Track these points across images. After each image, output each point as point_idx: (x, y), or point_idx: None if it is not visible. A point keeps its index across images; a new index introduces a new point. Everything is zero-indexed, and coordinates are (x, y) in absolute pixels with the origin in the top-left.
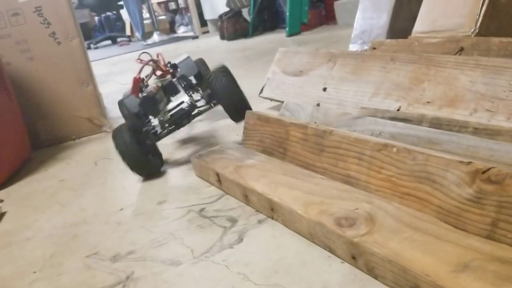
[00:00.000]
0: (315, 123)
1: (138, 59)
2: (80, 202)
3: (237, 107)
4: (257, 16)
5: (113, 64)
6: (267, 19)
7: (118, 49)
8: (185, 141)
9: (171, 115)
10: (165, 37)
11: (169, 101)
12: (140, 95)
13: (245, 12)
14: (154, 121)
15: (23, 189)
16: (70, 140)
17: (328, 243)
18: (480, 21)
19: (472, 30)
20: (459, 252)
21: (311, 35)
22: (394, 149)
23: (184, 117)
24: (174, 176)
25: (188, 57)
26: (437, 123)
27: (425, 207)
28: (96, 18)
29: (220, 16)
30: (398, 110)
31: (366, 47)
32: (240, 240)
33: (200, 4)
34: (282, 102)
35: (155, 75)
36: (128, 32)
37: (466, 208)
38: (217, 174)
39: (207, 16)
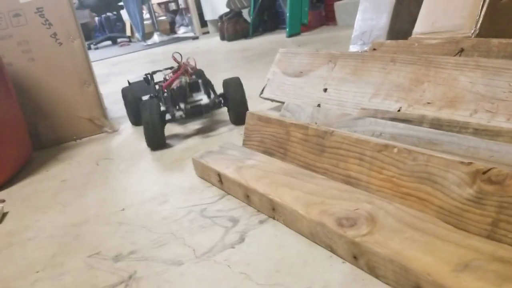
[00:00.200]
0: (316, 123)
1: (173, 57)
2: (81, 203)
3: (241, 113)
4: (257, 17)
5: (113, 64)
6: (267, 19)
7: (118, 49)
8: (186, 141)
9: (191, 106)
10: (165, 37)
11: (191, 96)
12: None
13: (245, 13)
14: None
15: (24, 190)
16: (71, 140)
17: (329, 243)
18: (480, 22)
19: (472, 31)
20: (459, 252)
21: (311, 36)
22: (395, 150)
23: (199, 111)
24: (175, 177)
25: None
26: (437, 124)
27: (426, 208)
28: (97, 18)
29: (220, 17)
30: (398, 111)
31: (366, 48)
32: (242, 240)
33: (200, 4)
34: (283, 103)
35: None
36: (128, 33)
37: (467, 208)
38: (218, 175)
39: (207, 16)
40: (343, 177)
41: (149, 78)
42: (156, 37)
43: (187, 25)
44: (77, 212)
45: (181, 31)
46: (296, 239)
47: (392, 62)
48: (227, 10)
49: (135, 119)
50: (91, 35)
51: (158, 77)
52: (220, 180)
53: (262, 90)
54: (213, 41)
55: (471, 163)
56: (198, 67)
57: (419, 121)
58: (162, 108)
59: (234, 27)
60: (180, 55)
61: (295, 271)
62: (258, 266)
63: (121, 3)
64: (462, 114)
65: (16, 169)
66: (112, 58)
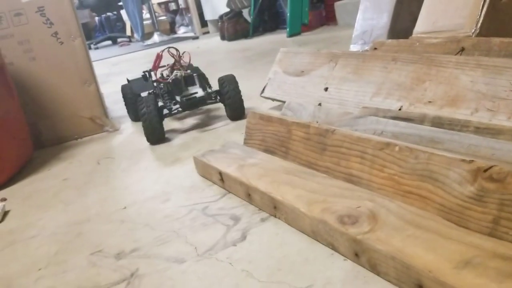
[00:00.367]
0: (317, 122)
1: (169, 51)
2: (83, 201)
3: (237, 109)
4: (257, 17)
5: (113, 64)
6: (267, 19)
7: (118, 49)
8: (187, 141)
9: (187, 99)
10: (165, 37)
11: (186, 89)
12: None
13: (245, 13)
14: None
15: (26, 188)
16: (72, 139)
17: (331, 240)
18: (480, 21)
19: (473, 30)
20: (461, 249)
21: (312, 35)
22: (396, 148)
23: (194, 103)
24: (177, 175)
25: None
26: (438, 123)
27: (427, 205)
28: (97, 18)
29: (221, 17)
30: (399, 109)
31: (367, 48)
32: (243, 238)
33: (200, 4)
34: (284, 102)
35: (172, 68)
36: (128, 33)
37: (468, 206)
38: (220, 173)
39: (208, 16)
40: (345, 175)
41: (147, 75)
42: (156, 37)
43: (187, 25)
44: (79, 211)
45: (181, 31)
46: (297, 237)
47: (393, 61)
48: (227, 10)
49: (135, 116)
50: (91, 35)
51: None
52: (222, 179)
53: (263, 89)
54: (213, 41)
55: (472, 161)
56: (198, 67)
57: (421, 119)
58: (160, 104)
59: (234, 27)
60: (176, 49)
61: (296, 269)
62: (259, 264)
63: (121, 3)
64: (463, 113)
65: (17, 168)
66: (112, 58)
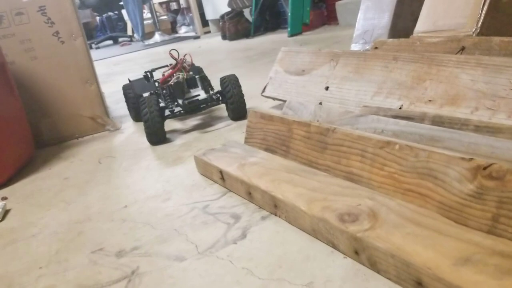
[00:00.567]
0: (318, 121)
1: (170, 53)
2: (84, 200)
3: (239, 109)
4: (258, 17)
5: (114, 64)
6: (268, 19)
7: (119, 49)
8: (188, 140)
9: (189, 102)
10: (166, 37)
11: (188, 91)
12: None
13: (246, 12)
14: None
15: (27, 187)
16: (73, 138)
17: (331, 238)
18: (481, 21)
19: (474, 29)
20: (460, 247)
21: (313, 35)
22: (397, 146)
23: (196, 107)
24: (178, 174)
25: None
26: (439, 121)
27: (427, 203)
28: (98, 18)
29: (222, 16)
30: (400, 108)
31: (368, 47)
32: (244, 236)
33: (201, 4)
34: (285, 101)
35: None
36: (129, 32)
37: (468, 203)
38: (221, 172)
39: (209, 16)
40: (345, 173)
41: (149, 75)
42: (157, 37)
43: (188, 25)
44: (80, 210)
45: (183, 31)
46: (298, 235)
47: (394, 61)
48: (229, 9)
49: (136, 116)
50: (93, 34)
51: (157, 75)
52: (222, 178)
53: (264, 89)
54: (215, 40)
55: (472, 159)
56: (199, 66)
57: (421, 118)
58: (162, 104)
59: (235, 27)
60: (177, 51)
61: (297, 267)
62: (260, 261)
63: (122, 3)
64: (463, 112)
65: (18, 167)
66: (113, 58)
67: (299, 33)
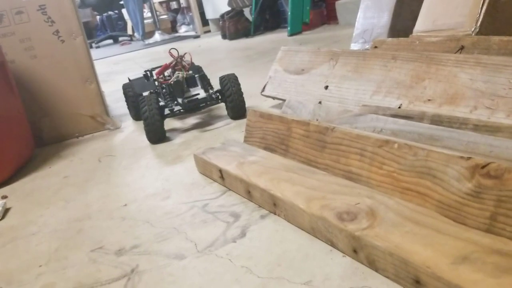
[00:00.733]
0: (317, 120)
1: (169, 52)
2: (84, 198)
3: (239, 108)
4: (258, 16)
5: (114, 63)
6: (268, 18)
7: (119, 48)
8: (188, 139)
9: (188, 101)
10: (166, 36)
11: (188, 90)
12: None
13: (246, 12)
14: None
15: (27, 186)
16: (73, 137)
17: (330, 237)
18: (480, 20)
19: (473, 29)
20: (458, 245)
21: (313, 34)
22: (395, 145)
23: (196, 105)
24: (177, 173)
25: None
26: (438, 120)
27: (426, 202)
28: (98, 17)
29: (222, 16)
30: (399, 107)
31: (367, 46)
32: (243, 234)
33: (201, 3)
34: (284, 100)
35: (174, 68)
36: (130, 32)
37: (466, 202)
38: (220, 171)
39: (209, 15)
40: (344, 172)
41: (149, 74)
42: (157, 36)
43: (188, 24)
44: (80, 208)
45: (183, 30)
46: (297, 233)
47: (393, 60)
48: (229, 9)
49: (136, 114)
50: (93, 34)
51: None
52: (222, 176)
53: (264, 88)
54: (215, 40)
55: (470, 157)
56: (199, 65)
57: (420, 117)
58: (161, 103)
59: (235, 26)
60: (177, 50)
61: (296, 265)
62: (259, 260)
63: (122, 2)
64: (462, 111)
65: (19, 165)
66: (114, 57)
67: (299, 32)
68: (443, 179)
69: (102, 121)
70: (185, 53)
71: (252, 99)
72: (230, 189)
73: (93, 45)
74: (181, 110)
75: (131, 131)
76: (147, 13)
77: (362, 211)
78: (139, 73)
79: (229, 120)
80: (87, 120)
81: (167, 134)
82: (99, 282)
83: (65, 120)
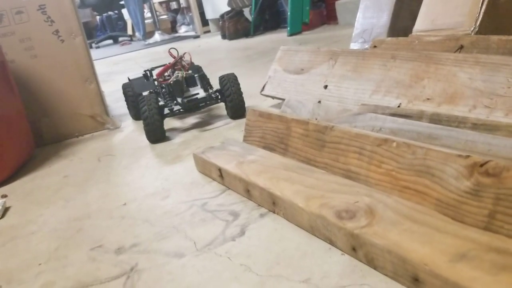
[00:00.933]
0: (316, 119)
1: (169, 52)
2: (84, 198)
3: (238, 108)
4: (258, 16)
5: (114, 63)
6: (268, 18)
7: (119, 48)
8: (187, 139)
9: (188, 101)
10: (166, 36)
11: (187, 90)
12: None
13: (246, 12)
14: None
15: (27, 185)
16: (73, 137)
17: (328, 235)
18: (479, 19)
19: (472, 28)
20: (457, 243)
21: (312, 34)
22: (394, 144)
23: (195, 105)
24: (177, 172)
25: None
26: (436, 119)
27: (424, 200)
28: (98, 17)
29: (222, 16)
30: (398, 107)
31: (367, 46)
32: (242, 233)
33: (201, 3)
34: (283, 99)
35: (173, 68)
36: (129, 32)
37: (464, 200)
38: (219, 170)
39: (209, 15)
40: (343, 171)
41: (148, 74)
42: (157, 36)
43: (188, 24)
44: (79, 207)
45: (183, 30)
46: (296, 232)
47: (393, 59)
48: (229, 9)
49: (136, 114)
50: (93, 34)
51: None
52: (221, 175)
53: (263, 87)
54: (214, 40)
55: (468, 156)
56: (199, 65)
57: (419, 116)
58: (161, 103)
59: (235, 26)
60: (177, 50)
61: (295, 263)
62: (258, 258)
63: (122, 2)
64: (461, 110)
65: (18, 165)
66: (114, 57)
67: (299, 32)
68: (441, 178)
69: (102, 120)
70: (185, 53)
71: (251, 99)
72: (229, 188)
73: (93, 45)
74: (181, 110)
75: (131, 130)
76: (147, 13)
77: (360, 210)
78: (139, 73)
79: (229, 120)
80: (87, 119)
81: (167, 134)
82: (99, 280)
83: (65, 119)
